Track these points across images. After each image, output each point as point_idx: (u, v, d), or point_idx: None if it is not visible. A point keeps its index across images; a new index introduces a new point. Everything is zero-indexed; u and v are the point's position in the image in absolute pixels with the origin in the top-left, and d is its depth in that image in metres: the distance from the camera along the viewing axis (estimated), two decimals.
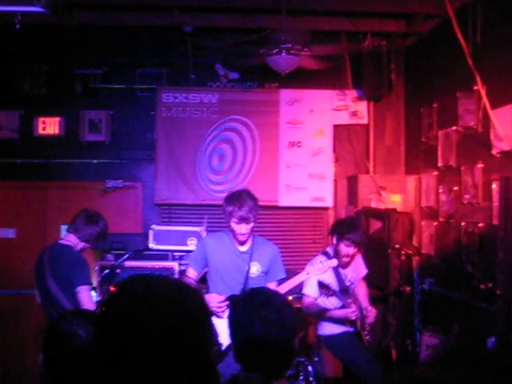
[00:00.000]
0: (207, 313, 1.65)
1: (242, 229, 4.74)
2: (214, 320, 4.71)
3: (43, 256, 5.01)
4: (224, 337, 4.53)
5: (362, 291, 5.65)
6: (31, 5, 3.80)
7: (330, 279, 5.24)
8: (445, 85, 6.34)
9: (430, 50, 6.86)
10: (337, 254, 5.32)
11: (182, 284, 1.66)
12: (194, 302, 1.59)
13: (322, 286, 5.08)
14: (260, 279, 4.89)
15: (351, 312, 5.21)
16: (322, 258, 5.34)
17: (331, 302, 5.37)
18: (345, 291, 5.33)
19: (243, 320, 2.56)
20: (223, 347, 4.60)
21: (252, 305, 2.58)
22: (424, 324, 6.39)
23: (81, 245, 5.01)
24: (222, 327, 4.66)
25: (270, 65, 6.47)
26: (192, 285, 1.44)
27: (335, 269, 5.27)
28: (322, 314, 5.44)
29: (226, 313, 4.69)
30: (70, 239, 5.00)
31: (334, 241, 5.38)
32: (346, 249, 5.28)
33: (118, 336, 1.49)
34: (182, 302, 1.55)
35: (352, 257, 5.39)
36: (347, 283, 5.42)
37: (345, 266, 5.41)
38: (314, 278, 5.08)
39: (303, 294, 5.40)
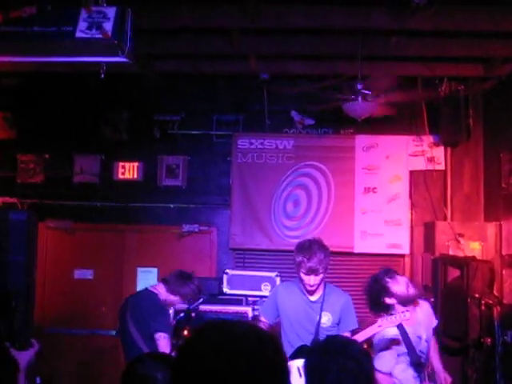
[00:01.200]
0: (283, 360, 1.62)
1: (311, 280, 4.66)
2: None
3: (128, 299, 5.21)
4: None
5: (432, 350, 5.15)
6: (115, 55, 3.95)
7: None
8: None
9: (509, 93, 6.72)
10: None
11: (258, 331, 1.64)
12: (271, 350, 1.57)
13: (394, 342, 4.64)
14: (332, 330, 4.76)
15: None
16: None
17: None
18: (417, 364, 4.76)
19: (319, 367, 2.50)
20: None
21: (329, 351, 2.52)
22: (506, 378, 6.11)
23: (169, 299, 5.12)
24: (292, 379, 4.57)
25: (345, 111, 6.49)
26: (268, 330, 1.41)
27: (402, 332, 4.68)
28: None
29: (297, 363, 4.57)
30: (159, 289, 5.14)
31: None
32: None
33: (194, 382, 1.49)
34: (258, 350, 1.54)
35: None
36: (418, 353, 4.77)
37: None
38: (388, 352, 4.61)
39: (376, 370, 4.61)
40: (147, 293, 5.17)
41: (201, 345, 1.55)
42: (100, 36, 3.71)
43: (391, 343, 4.63)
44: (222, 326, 1.60)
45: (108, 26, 3.71)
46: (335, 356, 2.47)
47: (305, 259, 4.60)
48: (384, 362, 4.57)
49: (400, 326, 4.60)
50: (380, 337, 4.63)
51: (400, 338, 4.62)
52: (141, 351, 4.64)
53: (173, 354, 4.56)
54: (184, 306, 5.26)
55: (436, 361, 5.15)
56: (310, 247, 4.67)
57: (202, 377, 1.48)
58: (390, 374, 4.61)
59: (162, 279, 5.26)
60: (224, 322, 1.63)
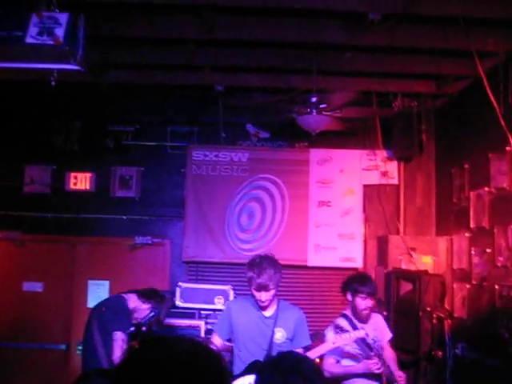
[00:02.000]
0: (225, 376, 1.58)
1: (262, 296, 4.63)
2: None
3: (97, 304, 5.30)
4: None
5: (389, 356, 5.41)
6: (67, 63, 3.86)
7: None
8: (476, 145, 6.29)
9: (460, 110, 6.85)
10: (355, 311, 5.20)
11: (202, 349, 1.59)
12: (213, 369, 1.53)
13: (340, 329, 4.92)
14: (285, 346, 4.70)
15: (373, 363, 4.95)
16: (343, 322, 5.14)
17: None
18: (367, 346, 5.07)
19: None
20: None
21: (280, 370, 2.43)
22: None
23: (140, 305, 5.26)
24: None
25: (300, 124, 6.50)
26: (214, 350, 1.38)
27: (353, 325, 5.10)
28: (346, 374, 5.13)
29: (248, 379, 4.56)
30: (129, 295, 5.28)
31: (349, 297, 5.28)
32: (363, 302, 5.17)
33: None
34: (199, 369, 1.49)
35: (370, 308, 5.26)
36: (369, 341, 5.11)
37: (366, 319, 5.26)
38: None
39: (324, 355, 5.04)
40: (117, 296, 5.35)
41: (139, 362, 1.51)
42: (51, 42, 3.62)
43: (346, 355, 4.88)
44: (163, 343, 1.55)
45: (60, 32, 3.63)
46: (286, 375, 2.39)
47: (255, 275, 4.58)
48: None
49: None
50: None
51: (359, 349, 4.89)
52: (97, 357, 4.82)
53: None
54: (147, 317, 5.27)
55: (393, 364, 5.29)
56: (260, 263, 4.64)
57: None
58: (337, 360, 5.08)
59: (135, 290, 5.37)
60: (165, 339, 1.58)
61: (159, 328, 5.70)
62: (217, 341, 4.84)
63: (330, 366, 5.09)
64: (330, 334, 4.99)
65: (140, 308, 5.24)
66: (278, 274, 4.67)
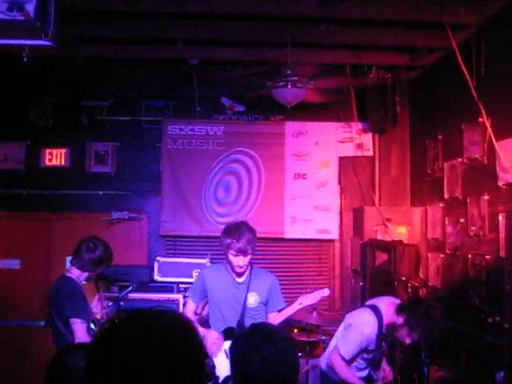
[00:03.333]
0: (200, 351, 1.60)
1: (240, 261, 4.74)
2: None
3: (51, 288, 4.99)
4: (221, 369, 4.51)
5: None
6: (39, 39, 3.82)
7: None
8: (449, 117, 6.35)
9: (434, 82, 6.90)
10: None
11: (178, 322, 1.59)
12: (187, 340, 1.55)
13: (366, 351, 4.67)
14: (259, 310, 4.90)
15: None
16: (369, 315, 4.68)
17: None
18: (376, 363, 4.86)
19: (243, 356, 2.52)
20: (220, 380, 4.57)
21: (252, 341, 2.54)
22: (431, 358, 6.29)
23: (83, 275, 4.88)
24: (220, 359, 4.66)
25: (275, 97, 6.50)
26: (188, 319, 1.41)
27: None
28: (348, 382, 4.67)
29: (224, 345, 4.68)
30: (72, 271, 4.90)
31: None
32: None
33: (107, 377, 1.45)
34: (176, 342, 1.51)
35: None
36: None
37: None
38: (357, 340, 4.59)
39: (339, 355, 4.61)
40: (62, 278, 4.90)
41: (114, 338, 1.50)
42: (22, 18, 3.57)
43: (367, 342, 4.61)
44: (138, 317, 1.56)
45: (30, 8, 3.58)
46: (258, 345, 2.49)
47: (234, 240, 4.69)
48: (350, 352, 4.58)
49: (380, 326, 4.59)
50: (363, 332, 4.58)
51: (375, 337, 4.61)
52: (65, 338, 4.57)
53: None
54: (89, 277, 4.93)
55: None
56: (237, 229, 4.77)
57: (113, 369, 1.44)
58: (348, 362, 4.63)
59: (72, 259, 4.91)
60: (140, 312, 1.58)
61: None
62: (191, 306, 5.02)
63: (341, 367, 4.64)
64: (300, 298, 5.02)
65: (85, 277, 4.89)
66: (255, 239, 4.81)
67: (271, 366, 2.44)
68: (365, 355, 4.70)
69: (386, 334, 4.61)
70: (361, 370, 4.79)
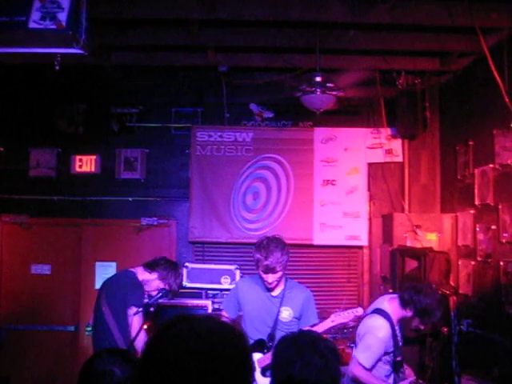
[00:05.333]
0: (248, 354, 1.64)
1: (269, 278, 4.70)
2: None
3: (105, 281, 5.27)
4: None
5: None
6: (70, 47, 3.86)
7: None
8: (480, 122, 6.28)
9: (465, 87, 6.83)
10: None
11: (224, 325, 1.64)
12: (237, 344, 1.58)
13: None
14: (291, 324, 4.82)
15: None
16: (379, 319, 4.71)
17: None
18: (397, 363, 4.78)
19: (285, 359, 2.54)
20: None
21: (298, 345, 2.56)
22: (462, 367, 6.22)
23: (147, 276, 5.15)
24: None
25: (304, 104, 6.50)
26: (232, 324, 1.44)
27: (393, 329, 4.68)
28: None
29: (254, 357, 4.63)
30: (136, 268, 5.20)
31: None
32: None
33: (162, 377, 1.48)
34: (225, 344, 1.54)
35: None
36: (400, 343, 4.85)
37: None
38: (375, 346, 4.59)
39: (359, 364, 4.58)
40: (124, 271, 5.27)
41: (169, 340, 1.54)
42: (54, 27, 3.62)
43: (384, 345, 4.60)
44: (190, 321, 1.59)
45: (62, 17, 3.63)
46: (302, 350, 2.50)
47: (262, 257, 4.63)
48: (369, 359, 4.56)
49: (391, 325, 4.61)
50: (378, 337, 4.58)
51: (391, 337, 4.62)
52: (111, 335, 4.80)
53: (141, 332, 4.66)
54: (157, 296, 5.16)
55: None
56: (267, 245, 4.68)
57: (169, 372, 1.47)
58: (370, 370, 4.60)
59: (142, 264, 5.29)
60: (191, 316, 1.62)
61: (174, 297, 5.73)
62: (226, 318, 4.92)
63: (363, 375, 4.61)
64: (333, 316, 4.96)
65: (148, 279, 5.14)
66: (286, 256, 4.70)
67: (312, 373, 2.45)
68: (387, 358, 4.68)
69: (399, 330, 4.67)
70: (387, 376, 4.75)
